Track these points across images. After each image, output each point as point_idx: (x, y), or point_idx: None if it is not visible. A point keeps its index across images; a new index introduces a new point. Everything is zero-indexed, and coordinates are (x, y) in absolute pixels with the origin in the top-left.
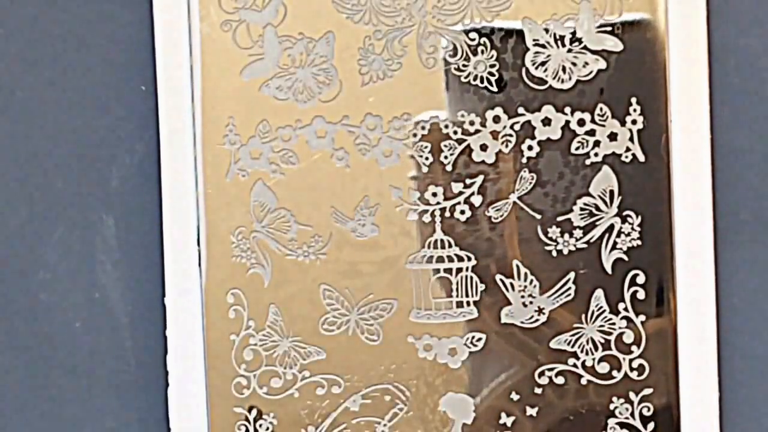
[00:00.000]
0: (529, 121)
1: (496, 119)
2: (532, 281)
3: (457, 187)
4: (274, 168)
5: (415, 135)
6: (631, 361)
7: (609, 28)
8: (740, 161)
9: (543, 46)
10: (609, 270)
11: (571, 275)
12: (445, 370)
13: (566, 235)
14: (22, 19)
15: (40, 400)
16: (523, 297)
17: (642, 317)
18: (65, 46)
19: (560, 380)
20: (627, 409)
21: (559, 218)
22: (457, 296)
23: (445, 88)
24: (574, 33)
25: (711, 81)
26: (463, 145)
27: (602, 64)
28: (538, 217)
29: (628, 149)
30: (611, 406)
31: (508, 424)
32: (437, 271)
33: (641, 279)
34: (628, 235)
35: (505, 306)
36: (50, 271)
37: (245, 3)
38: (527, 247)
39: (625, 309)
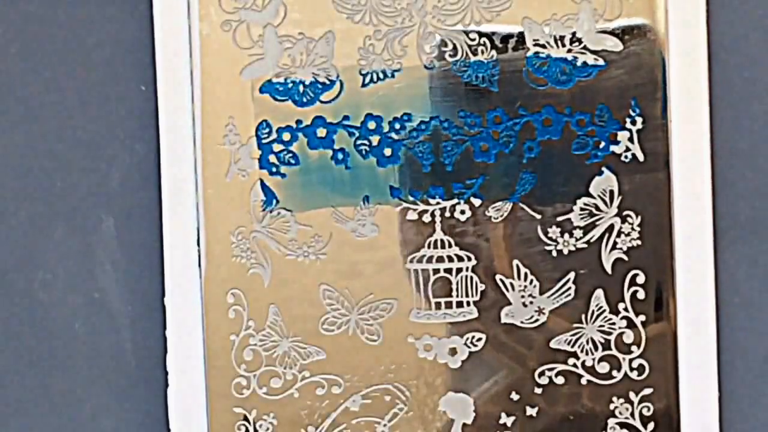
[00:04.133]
0: (529, 122)
1: (497, 119)
2: (532, 281)
3: (457, 187)
4: (274, 168)
5: (415, 135)
6: (631, 361)
7: (609, 28)
8: (740, 161)
9: (543, 46)
10: (609, 270)
11: (571, 275)
12: (445, 370)
13: (566, 235)
14: (22, 19)
15: (40, 400)
16: (523, 297)
17: (642, 317)
18: (65, 46)
19: (560, 380)
20: (627, 409)
21: (559, 218)
22: (457, 296)
23: (445, 88)
24: (574, 33)
25: (711, 81)
26: (464, 145)
27: (602, 64)
28: (538, 217)
29: (628, 149)
30: (611, 406)
31: (508, 424)
32: (437, 271)
33: (641, 279)
34: (628, 235)
35: (505, 306)
36: (50, 272)
37: (245, 3)
38: (527, 247)
39: (625, 309)
